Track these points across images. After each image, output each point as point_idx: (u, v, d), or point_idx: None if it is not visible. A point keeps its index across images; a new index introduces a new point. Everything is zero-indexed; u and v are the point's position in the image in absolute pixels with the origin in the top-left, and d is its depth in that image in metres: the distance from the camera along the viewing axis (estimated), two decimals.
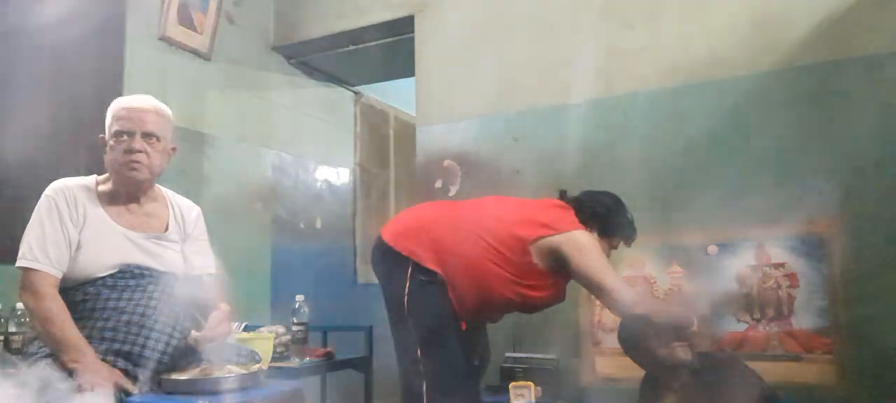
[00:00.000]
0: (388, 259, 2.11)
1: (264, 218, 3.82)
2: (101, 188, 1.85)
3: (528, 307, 2.23)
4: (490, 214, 2.16)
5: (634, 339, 2.24)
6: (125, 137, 1.79)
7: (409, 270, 2.06)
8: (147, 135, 1.81)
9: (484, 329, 2.37)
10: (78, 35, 2.87)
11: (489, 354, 2.42)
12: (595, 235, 2.17)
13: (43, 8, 2.75)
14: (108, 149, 1.84)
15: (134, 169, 1.81)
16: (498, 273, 2.09)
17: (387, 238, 2.13)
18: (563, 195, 2.30)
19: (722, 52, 2.81)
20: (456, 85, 3.41)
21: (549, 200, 2.29)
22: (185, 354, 1.76)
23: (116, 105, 1.85)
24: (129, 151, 1.79)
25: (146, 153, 1.81)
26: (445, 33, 3.47)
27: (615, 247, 2.27)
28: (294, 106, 4.10)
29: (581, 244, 2.09)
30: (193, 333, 1.73)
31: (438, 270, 2.06)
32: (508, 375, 2.79)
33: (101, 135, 1.86)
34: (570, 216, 2.17)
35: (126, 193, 1.86)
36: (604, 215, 2.20)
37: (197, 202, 2.06)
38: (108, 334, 1.68)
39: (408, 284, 2.05)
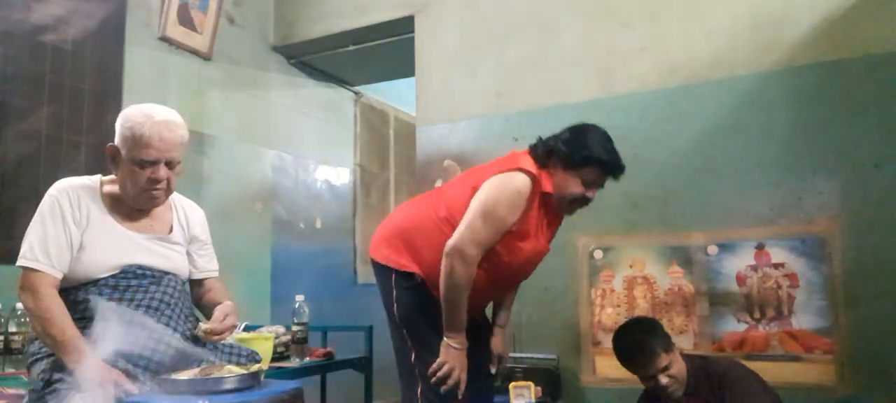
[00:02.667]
0: (377, 270, 2.10)
1: (264, 218, 3.82)
2: (106, 189, 1.82)
3: (508, 277, 2.06)
4: (449, 193, 2.05)
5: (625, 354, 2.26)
6: (150, 166, 1.73)
7: (393, 278, 2.02)
8: (170, 162, 1.77)
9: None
10: (78, 35, 2.88)
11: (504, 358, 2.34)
12: (560, 171, 1.93)
13: (43, 8, 2.75)
14: (125, 166, 1.75)
15: (156, 197, 1.79)
16: None
17: (370, 249, 2.12)
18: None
19: (722, 52, 2.82)
20: (456, 85, 3.41)
21: (511, 152, 2.07)
22: (186, 354, 1.76)
23: (140, 127, 1.70)
24: (154, 181, 1.75)
25: (168, 179, 1.78)
26: (445, 33, 3.47)
27: (594, 183, 1.95)
28: (294, 106, 4.10)
29: (494, 183, 1.88)
30: (201, 325, 1.74)
31: (417, 271, 2.00)
32: (508, 375, 2.79)
33: (110, 144, 1.77)
34: (517, 159, 1.93)
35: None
36: (562, 149, 1.92)
37: (197, 202, 2.05)
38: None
39: (394, 292, 2.02)
